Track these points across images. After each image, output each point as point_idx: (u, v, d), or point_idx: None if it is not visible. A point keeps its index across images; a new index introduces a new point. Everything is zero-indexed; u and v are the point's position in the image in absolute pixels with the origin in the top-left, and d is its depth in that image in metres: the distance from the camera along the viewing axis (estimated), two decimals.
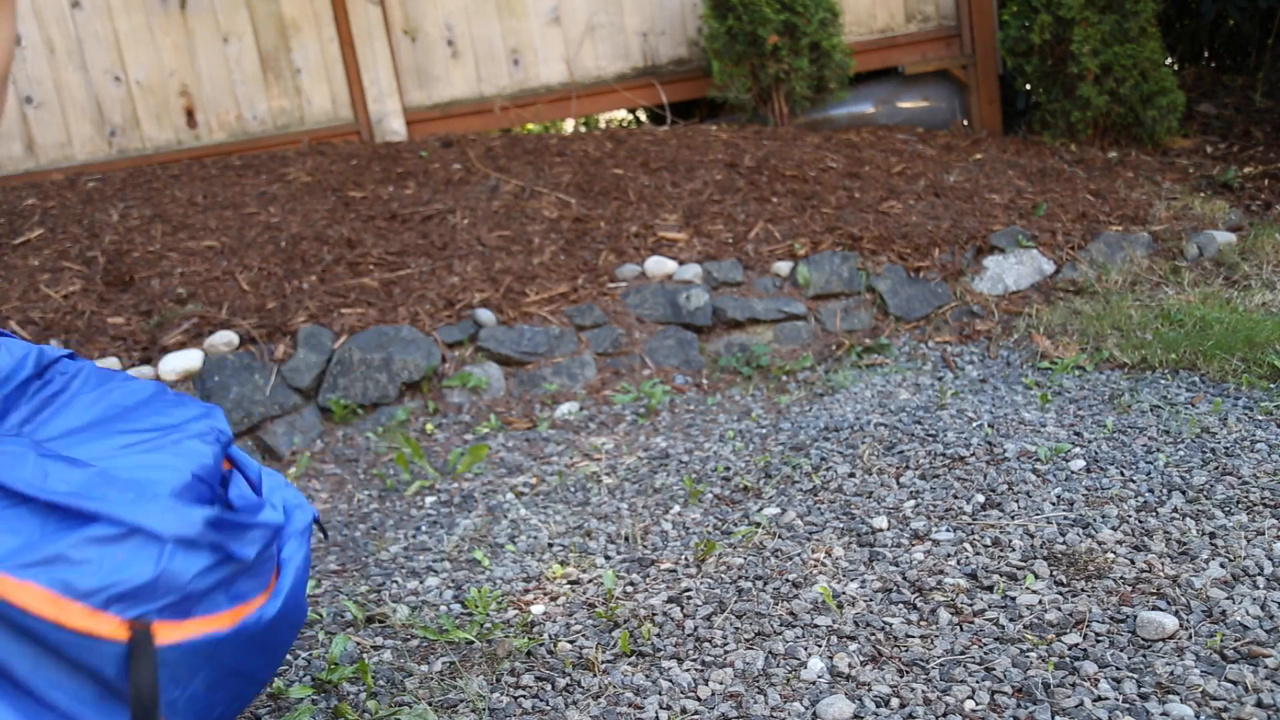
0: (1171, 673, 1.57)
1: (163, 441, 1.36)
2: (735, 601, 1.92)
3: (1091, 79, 4.81)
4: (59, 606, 1.14)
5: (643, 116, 5.98)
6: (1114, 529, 2.00)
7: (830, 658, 1.72)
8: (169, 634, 1.20)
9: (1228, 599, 1.74)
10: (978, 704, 1.57)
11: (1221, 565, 1.84)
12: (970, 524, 2.10)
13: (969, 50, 5.37)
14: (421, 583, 2.18)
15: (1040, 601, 1.80)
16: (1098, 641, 1.68)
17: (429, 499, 2.69)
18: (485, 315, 3.53)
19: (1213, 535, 1.95)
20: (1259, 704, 1.48)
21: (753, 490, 2.45)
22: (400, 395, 3.31)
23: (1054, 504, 2.13)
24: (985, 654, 1.68)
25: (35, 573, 1.14)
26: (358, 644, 1.92)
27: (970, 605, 1.83)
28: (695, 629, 1.86)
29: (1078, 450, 2.36)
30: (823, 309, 3.72)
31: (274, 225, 4.03)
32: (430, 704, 1.70)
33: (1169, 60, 5.78)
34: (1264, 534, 1.93)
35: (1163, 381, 2.85)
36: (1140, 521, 2.02)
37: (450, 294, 3.62)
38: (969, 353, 3.42)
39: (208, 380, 3.23)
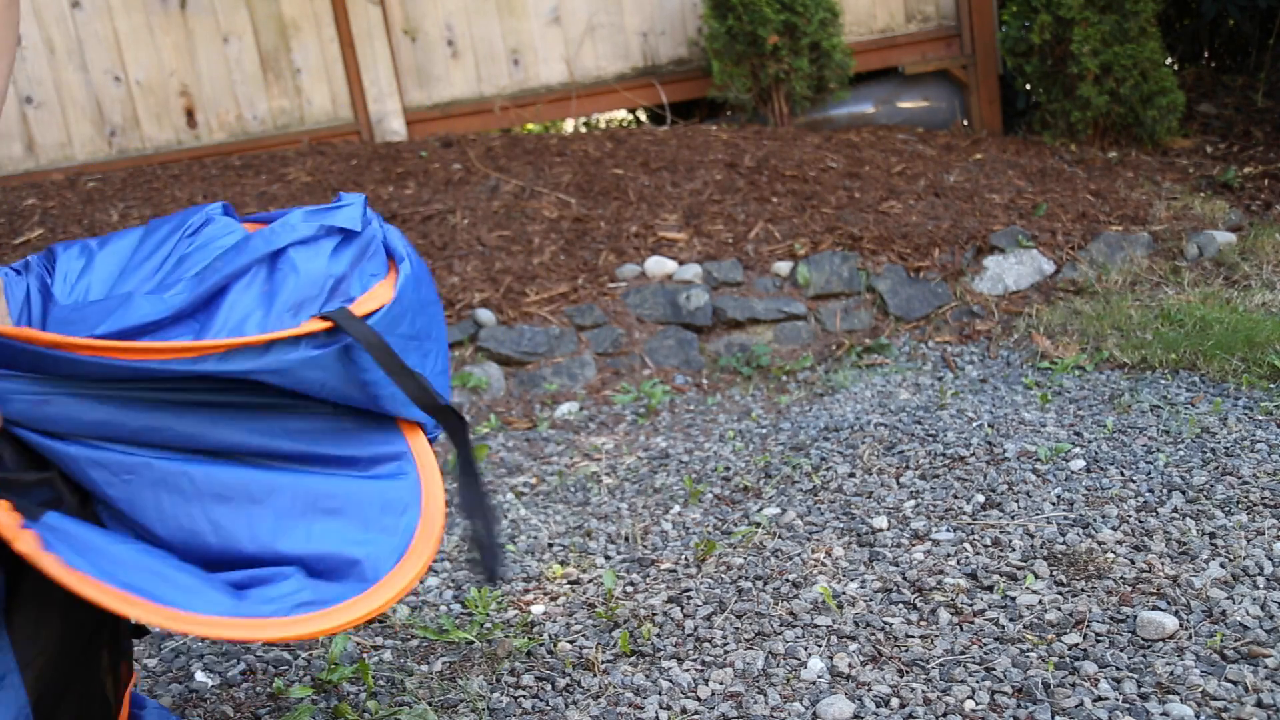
0: (1171, 673, 1.57)
1: (193, 238, 1.43)
2: (735, 601, 1.92)
3: (1091, 79, 4.81)
4: (270, 336, 1.23)
5: (643, 116, 5.98)
6: (1114, 529, 2.00)
7: (830, 658, 1.72)
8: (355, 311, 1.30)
9: (1228, 599, 1.74)
10: (978, 704, 1.57)
11: (1221, 565, 1.84)
12: (970, 524, 2.10)
13: (969, 50, 5.37)
14: (421, 583, 2.18)
15: (1040, 601, 1.80)
16: (1098, 641, 1.68)
17: None
18: (485, 315, 3.54)
19: (1213, 535, 1.95)
20: (1259, 704, 1.48)
21: (753, 490, 2.45)
22: None
23: (1054, 504, 2.13)
24: (985, 654, 1.68)
25: (224, 336, 1.25)
26: (358, 644, 1.92)
27: (970, 605, 1.83)
28: (695, 629, 1.86)
29: (1078, 450, 2.36)
30: (823, 309, 3.72)
31: None
32: (430, 704, 1.70)
33: (1169, 60, 5.77)
34: (1264, 534, 1.93)
35: (1163, 381, 2.85)
36: (1140, 521, 2.02)
37: (450, 294, 3.62)
38: (969, 353, 3.42)
39: None
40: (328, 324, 1.26)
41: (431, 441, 1.40)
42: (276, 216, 1.47)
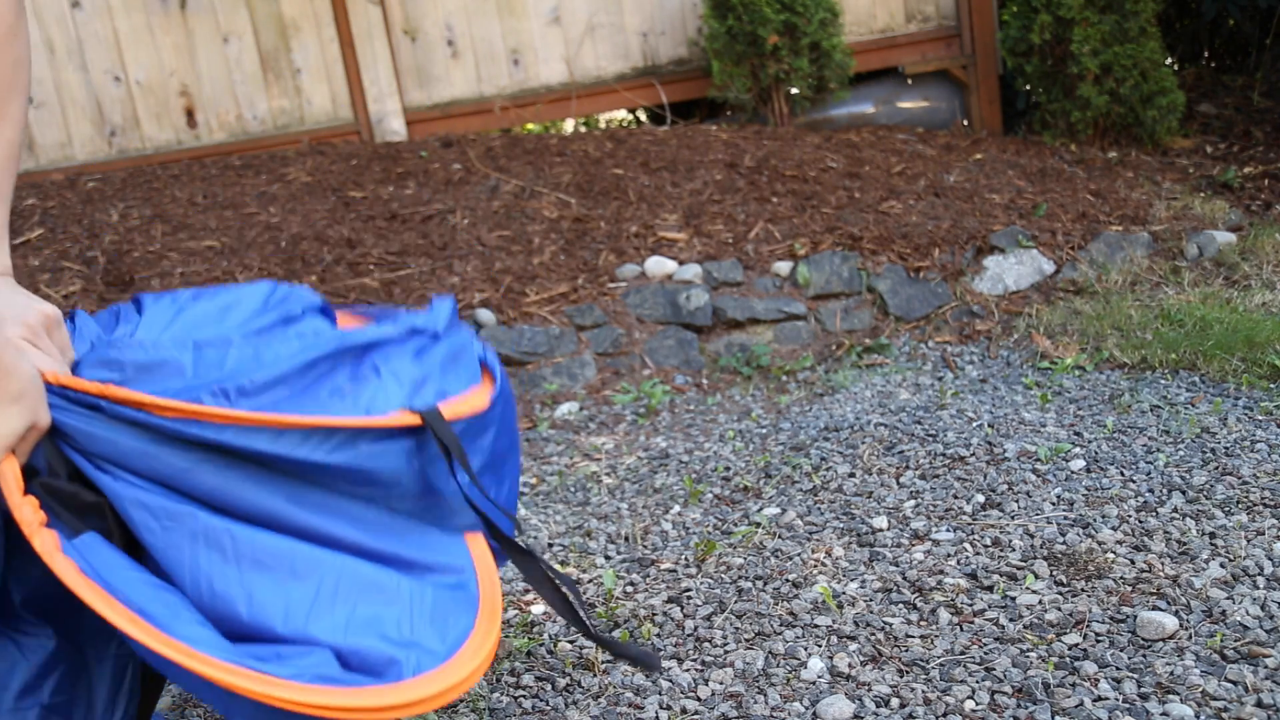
0: (1171, 673, 1.57)
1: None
2: (735, 601, 1.92)
3: (1091, 79, 4.81)
4: (366, 422, 1.18)
5: (643, 116, 5.98)
6: (1114, 529, 2.00)
7: (830, 658, 1.72)
8: (446, 412, 1.25)
9: (1228, 599, 1.74)
10: (978, 704, 1.57)
11: (1221, 565, 1.84)
12: (970, 524, 2.10)
13: (969, 50, 5.37)
14: None
15: (1040, 601, 1.80)
16: (1098, 641, 1.68)
17: None
18: (485, 315, 3.54)
19: (1213, 535, 1.95)
20: (1259, 704, 1.48)
21: (753, 490, 2.45)
22: None
23: (1054, 504, 2.13)
24: (985, 654, 1.68)
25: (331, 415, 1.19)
26: None
27: (970, 605, 1.83)
28: (695, 629, 1.86)
29: (1078, 450, 2.36)
30: (823, 309, 3.72)
31: (274, 225, 4.03)
32: None
33: (1169, 60, 5.77)
34: (1264, 534, 1.93)
35: (1163, 381, 2.85)
36: (1140, 521, 2.02)
37: (450, 294, 3.62)
38: (969, 353, 3.42)
39: None
40: (416, 419, 1.20)
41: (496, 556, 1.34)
42: (372, 314, 1.44)
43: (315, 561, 1.14)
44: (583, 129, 5.98)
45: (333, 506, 1.18)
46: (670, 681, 1.71)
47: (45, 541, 1.03)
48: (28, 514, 1.03)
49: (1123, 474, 2.23)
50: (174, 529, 1.10)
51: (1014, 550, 1.97)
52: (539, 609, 2.00)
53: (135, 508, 1.10)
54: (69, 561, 1.03)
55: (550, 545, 2.30)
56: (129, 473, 1.11)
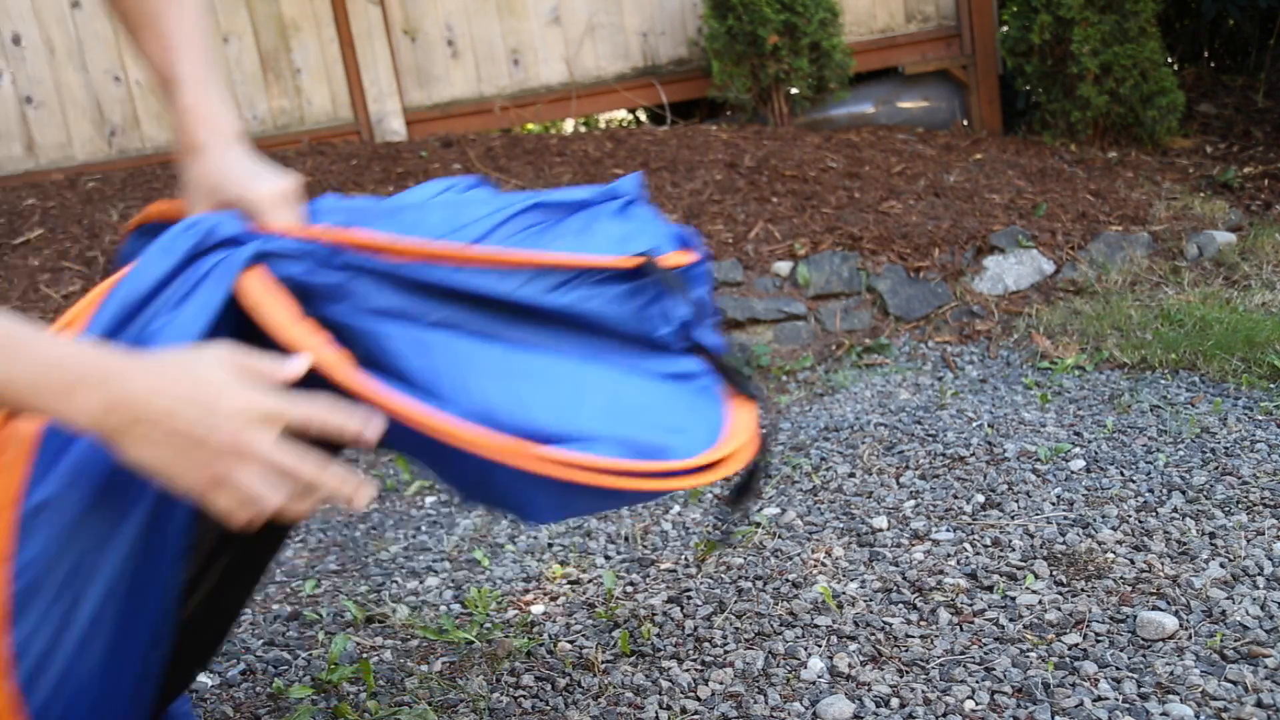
0: (1171, 673, 1.57)
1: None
2: (735, 601, 1.92)
3: (1091, 79, 4.81)
4: (592, 261, 1.20)
5: (643, 116, 5.98)
6: (1114, 529, 2.00)
7: (830, 658, 1.72)
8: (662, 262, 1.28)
9: (1228, 599, 1.74)
10: (978, 704, 1.57)
11: (1221, 565, 1.84)
12: (970, 524, 2.10)
13: (969, 50, 5.37)
14: (421, 583, 2.19)
15: (1040, 601, 1.80)
16: (1098, 641, 1.68)
17: (429, 499, 2.69)
18: None
19: (1213, 535, 1.95)
20: (1259, 704, 1.48)
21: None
22: None
23: (1054, 504, 2.13)
24: (985, 654, 1.68)
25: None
26: (358, 644, 1.92)
27: (970, 605, 1.83)
28: (695, 629, 1.86)
29: (1078, 450, 2.36)
30: (823, 309, 3.72)
31: None
32: (430, 704, 1.70)
33: (1169, 60, 5.77)
34: (1264, 534, 1.93)
35: (1163, 381, 2.85)
36: (1140, 521, 2.02)
37: None
38: (969, 353, 3.42)
39: None
40: (639, 260, 1.23)
41: None
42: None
43: (572, 369, 1.18)
44: (583, 129, 5.98)
45: (571, 338, 1.21)
46: (670, 681, 1.71)
47: (359, 379, 1.02)
48: (310, 339, 1.02)
49: (1123, 474, 2.23)
50: (429, 353, 1.12)
51: (1014, 550, 1.97)
52: (539, 609, 2.00)
53: (389, 339, 1.11)
54: (366, 379, 1.02)
55: (550, 545, 2.30)
56: (375, 315, 1.12)
